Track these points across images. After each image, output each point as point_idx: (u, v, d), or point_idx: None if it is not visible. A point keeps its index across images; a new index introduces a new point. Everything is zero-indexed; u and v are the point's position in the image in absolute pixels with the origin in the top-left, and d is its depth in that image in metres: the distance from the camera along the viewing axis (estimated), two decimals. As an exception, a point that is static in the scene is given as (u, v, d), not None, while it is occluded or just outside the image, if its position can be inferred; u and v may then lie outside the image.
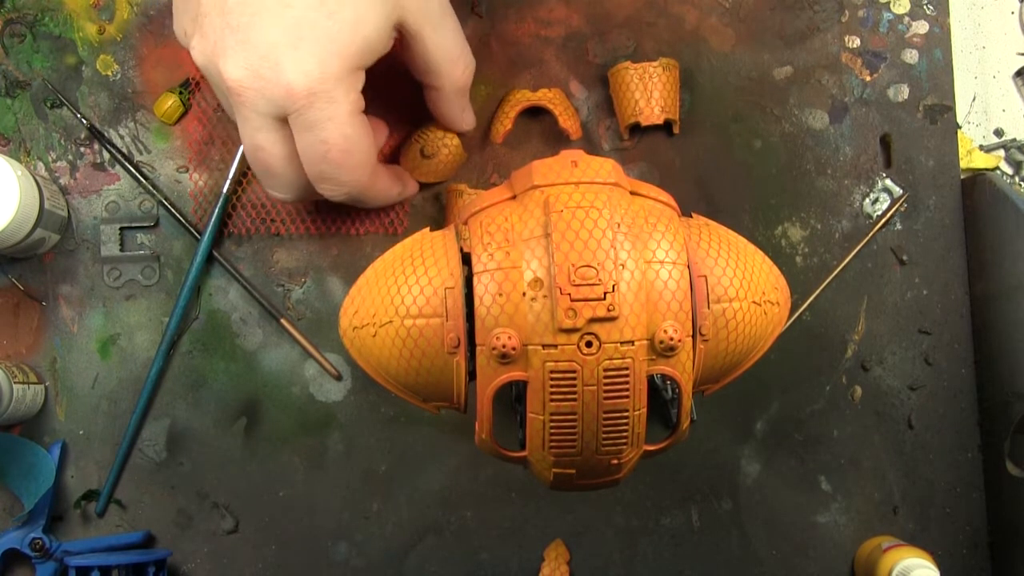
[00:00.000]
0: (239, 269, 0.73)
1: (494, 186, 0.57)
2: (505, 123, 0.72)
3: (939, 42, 0.75)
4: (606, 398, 0.50)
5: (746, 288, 0.54)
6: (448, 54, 0.62)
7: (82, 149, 0.73)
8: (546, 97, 0.72)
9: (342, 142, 0.57)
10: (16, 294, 0.72)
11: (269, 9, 0.54)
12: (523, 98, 0.72)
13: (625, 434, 0.51)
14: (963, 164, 0.76)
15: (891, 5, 0.76)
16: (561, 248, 0.50)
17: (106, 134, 0.73)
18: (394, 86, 0.69)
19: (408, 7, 0.58)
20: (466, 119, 0.68)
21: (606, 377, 0.49)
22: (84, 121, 0.73)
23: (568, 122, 0.72)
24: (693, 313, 0.52)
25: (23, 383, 0.69)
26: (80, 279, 0.73)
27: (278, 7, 0.54)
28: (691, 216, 0.58)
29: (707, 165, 0.74)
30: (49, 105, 0.73)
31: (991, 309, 0.72)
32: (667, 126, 0.74)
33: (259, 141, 0.59)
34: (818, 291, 0.74)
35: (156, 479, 0.72)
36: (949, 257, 0.75)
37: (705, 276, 0.53)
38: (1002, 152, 0.77)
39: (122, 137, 0.73)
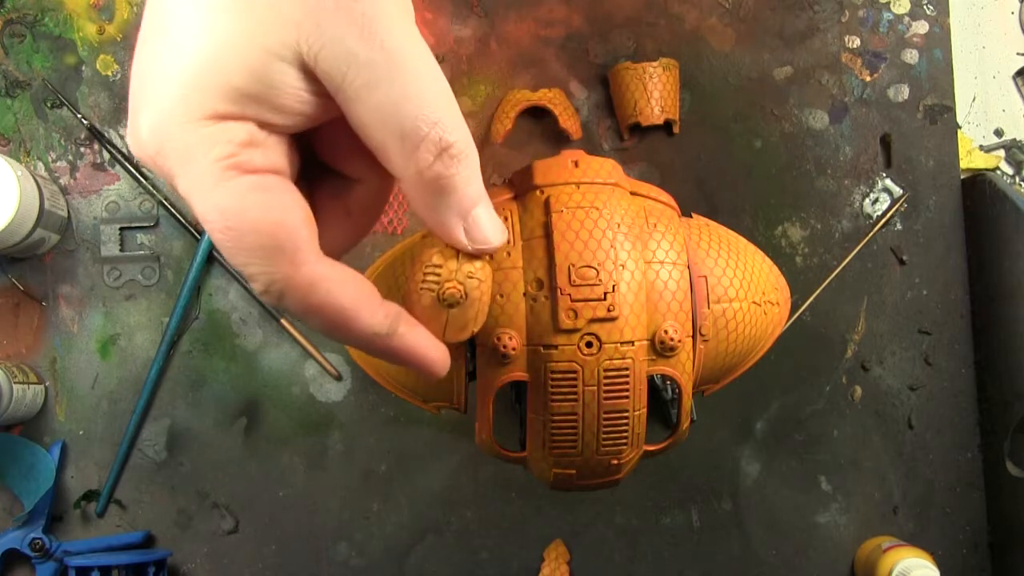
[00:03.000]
0: (239, 269, 0.73)
1: (494, 186, 0.57)
2: (505, 123, 0.72)
3: (939, 42, 0.75)
4: (606, 398, 0.50)
5: (746, 288, 0.54)
6: (399, 123, 0.37)
7: (82, 149, 0.73)
8: (546, 97, 0.72)
9: (219, 216, 0.37)
10: (16, 294, 0.72)
11: (138, 59, 0.39)
12: (523, 98, 0.72)
13: (625, 434, 0.51)
14: (963, 164, 0.76)
15: (891, 5, 0.76)
16: (561, 248, 0.50)
17: (106, 134, 0.73)
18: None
19: (318, 37, 0.36)
20: (477, 229, 0.41)
21: (606, 377, 0.49)
22: (84, 121, 0.73)
23: (568, 122, 0.72)
24: (693, 313, 0.52)
25: (23, 383, 0.69)
26: (80, 279, 0.73)
27: (138, 48, 0.39)
28: (691, 216, 0.58)
29: (707, 165, 0.74)
30: (49, 105, 0.73)
31: (991, 309, 0.72)
32: (667, 126, 0.73)
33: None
34: (818, 291, 0.74)
35: (156, 479, 0.72)
36: (949, 257, 0.75)
37: (705, 276, 0.53)
38: (1002, 152, 0.77)
39: (122, 137, 0.73)
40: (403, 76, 0.37)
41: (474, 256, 0.44)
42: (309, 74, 0.37)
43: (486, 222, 0.41)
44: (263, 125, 0.37)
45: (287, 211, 0.37)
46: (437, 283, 0.45)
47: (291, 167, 0.39)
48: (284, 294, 0.38)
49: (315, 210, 0.39)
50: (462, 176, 0.39)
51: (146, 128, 0.37)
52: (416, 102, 0.37)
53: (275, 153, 0.38)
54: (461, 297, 0.45)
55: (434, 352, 0.42)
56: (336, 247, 0.42)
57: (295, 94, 0.37)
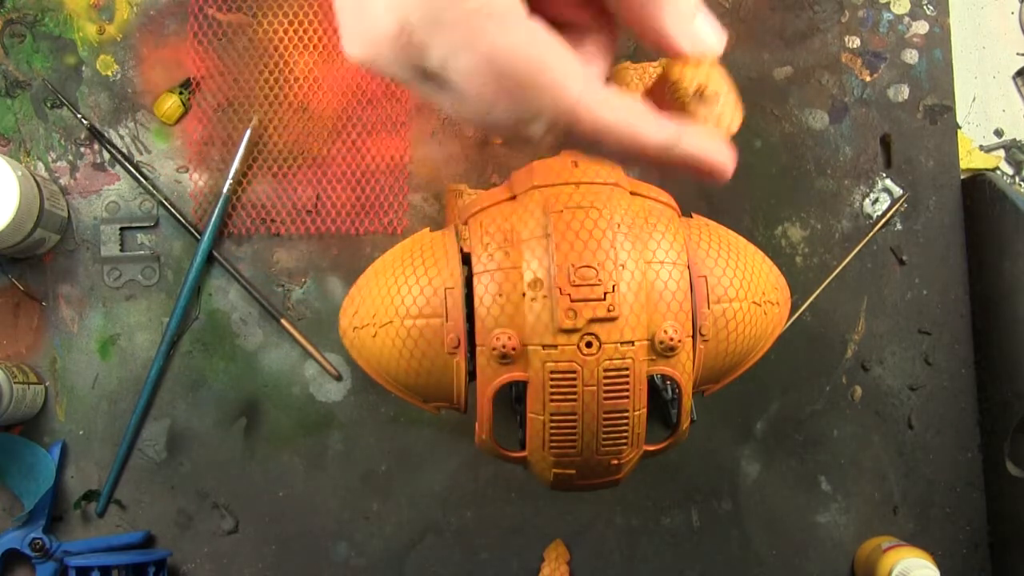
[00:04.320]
0: (239, 269, 0.73)
1: (494, 186, 0.57)
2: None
3: (939, 42, 0.75)
4: (606, 398, 0.50)
5: (746, 288, 0.54)
6: None
7: (82, 149, 0.73)
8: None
9: (507, 55, 0.37)
10: (16, 294, 0.72)
11: None
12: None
13: (625, 434, 0.51)
14: (963, 164, 0.76)
15: (891, 5, 0.76)
16: (561, 248, 0.50)
17: (106, 134, 0.73)
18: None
19: None
20: (699, 33, 0.42)
21: (606, 377, 0.49)
22: (84, 121, 0.73)
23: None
24: (693, 313, 0.52)
25: (23, 383, 0.69)
26: (80, 279, 0.73)
27: None
28: (691, 216, 0.58)
29: (707, 165, 0.74)
30: (49, 105, 0.73)
31: (991, 309, 0.72)
32: (667, 126, 0.73)
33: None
34: (818, 291, 0.74)
35: (156, 479, 0.72)
36: (949, 257, 0.75)
37: (705, 276, 0.53)
38: (1002, 152, 0.77)
39: (122, 137, 0.73)
40: None
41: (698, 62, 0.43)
42: None
43: (706, 26, 0.42)
44: None
45: (551, 42, 0.38)
46: (687, 91, 0.44)
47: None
48: (578, 116, 0.39)
49: None
50: None
51: (386, 8, 0.37)
52: None
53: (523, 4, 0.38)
54: (716, 91, 0.44)
55: (721, 152, 0.44)
56: None
57: None
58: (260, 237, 0.73)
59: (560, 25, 0.42)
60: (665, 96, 0.44)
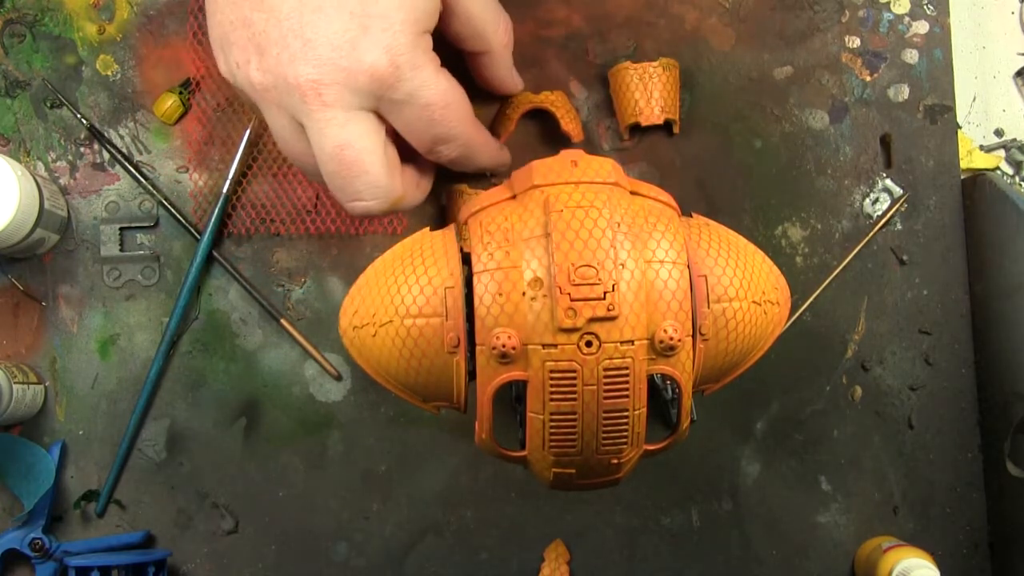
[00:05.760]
0: (239, 269, 0.73)
1: (494, 186, 0.57)
2: (507, 126, 0.72)
3: (939, 42, 0.75)
4: (606, 398, 0.50)
5: (746, 288, 0.54)
6: (490, 15, 0.64)
7: (82, 149, 0.73)
8: (548, 100, 0.72)
9: (441, 97, 0.58)
10: (16, 294, 0.72)
11: (324, 4, 0.55)
12: (525, 101, 0.72)
13: (625, 434, 0.51)
14: (963, 164, 0.76)
15: (891, 5, 0.76)
16: (561, 248, 0.50)
17: (106, 134, 0.73)
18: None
19: None
20: (516, 80, 0.70)
21: (606, 377, 0.49)
22: (84, 121, 0.73)
23: (570, 125, 0.72)
24: (693, 313, 0.52)
25: (23, 383, 0.69)
26: (80, 279, 0.73)
27: None
28: (691, 216, 0.58)
29: (707, 165, 0.74)
30: (49, 105, 0.73)
31: (991, 309, 0.72)
32: (667, 126, 0.73)
33: (348, 136, 0.57)
34: (818, 291, 0.74)
35: (156, 479, 0.72)
36: (949, 257, 0.75)
37: (705, 276, 0.53)
38: (1002, 152, 0.77)
39: (122, 137, 0.73)
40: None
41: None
42: None
43: (517, 74, 0.71)
44: (431, 32, 0.59)
45: (460, 87, 0.61)
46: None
47: None
48: (470, 143, 0.63)
49: None
50: (512, 41, 0.68)
51: (379, 50, 0.55)
52: (496, 7, 0.65)
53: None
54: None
55: (505, 153, 0.72)
56: None
57: (439, 7, 0.59)
58: (260, 237, 0.73)
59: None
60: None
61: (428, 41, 0.58)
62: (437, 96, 0.58)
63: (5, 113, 0.73)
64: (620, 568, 0.73)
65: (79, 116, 0.73)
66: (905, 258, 0.75)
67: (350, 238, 0.73)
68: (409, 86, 0.57)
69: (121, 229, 0.73)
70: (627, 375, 0.50)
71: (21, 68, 0.73)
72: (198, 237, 0.72)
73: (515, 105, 0.72)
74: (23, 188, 0.65)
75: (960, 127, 0.77)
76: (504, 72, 0.68)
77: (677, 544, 0.73)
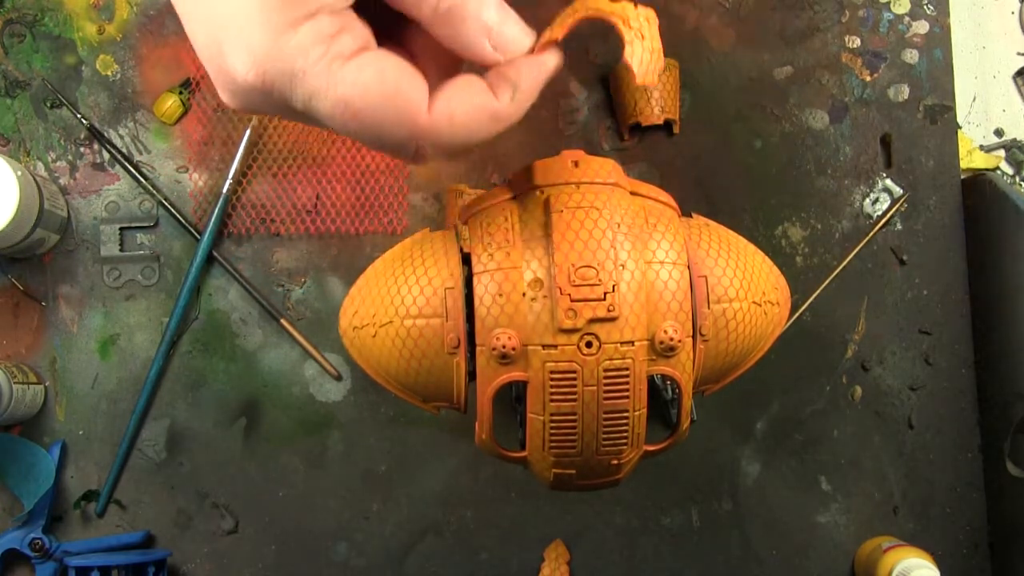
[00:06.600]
0: (239, 269, 0.73)
1: (494, 186, 0.57)
2: (556, 31, 0.50)
3: (939, 42, 0.75)
4: (606, 398, 0.50)
5: (746, 288, 0.54)
6: None
7: (82, 149, 0.73)
8: (624, 14, 0.50)
9: (342, 107, 0.40)
10: (16, 294, 0.72)
11: (189, 24, 0.42)
12: (593, 6, 0.52)
13: (625, 434, 0.51)
14: (963, 164, 0.76)
15: (891, 5, 0.76)
16: (561, 248, 0.50)
17: (106, 134, 0.73)
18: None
19: None
20: (504, 36, 0.45)
21: (606, 377, 0.49)
22: (84, 121, 0.73)
23: (637, 56, 0.49)
24: (693, 313, 0.52)
25: (23, 383, 0.69)
26: (80, 279, 0.73)
27: (187, 20, 0.43)
28: (691, 216, 0.58)
29: (707, 165, 0.74)
30: (49, 105, 0.73)
31: (991, 309, 0.72)
32: (667, 126, 0.73)
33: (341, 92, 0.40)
34: (818, 291, 0.74)
35: (156, 479, 0.72)
36: (949, 257, 0.75)
37: (705, 276, 0.53)
38: (1002, 152, 0.77)
39: (122, 137, 0.73)
40: None
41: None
42: None
43: (509, 31, 0.45)
44: (333, 12, 0.39)
45: (398, 74, 0.40)
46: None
47: (372, 36, 0.42)
48: (421, 144, 0.42)
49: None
50: (473, 3, 0.42)
51: (244, 67, 0.39)
52: None
53: (358, 30, 0.40)
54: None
55: (535, 66, 0.48)
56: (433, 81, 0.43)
57: None
58: (260, 237, 0.73)
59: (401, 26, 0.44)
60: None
61: (313, 32, 0.39)
62: (338, 108, 0.40)
63: (5, 113, 0.73)
64: (620, 568, 0.73)
65: (79, 116, 0.73)
66: (905, 258, 0.75)
67: (350, 238, 0.73)
68: (299, 100, 0.40)
69: (121, 229, 0.73)
70: (627, 376, 0.49)
71: (21, 68, 0.73)
72: (198, 237, 0.72)
73: (572, 11, 0.52)
74: (23, 188, 0.65)
75: (960, 127, 0.77)
76: (465, 39, 0.42)
77: (677, 544, 0.73)
